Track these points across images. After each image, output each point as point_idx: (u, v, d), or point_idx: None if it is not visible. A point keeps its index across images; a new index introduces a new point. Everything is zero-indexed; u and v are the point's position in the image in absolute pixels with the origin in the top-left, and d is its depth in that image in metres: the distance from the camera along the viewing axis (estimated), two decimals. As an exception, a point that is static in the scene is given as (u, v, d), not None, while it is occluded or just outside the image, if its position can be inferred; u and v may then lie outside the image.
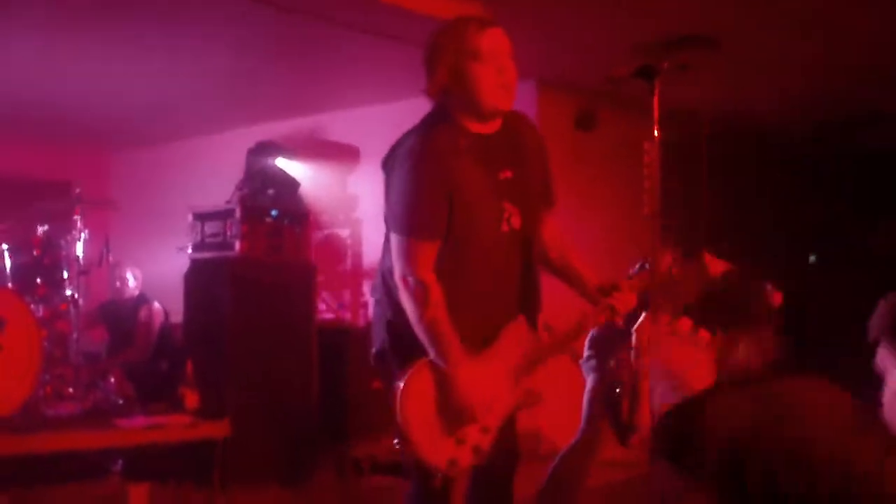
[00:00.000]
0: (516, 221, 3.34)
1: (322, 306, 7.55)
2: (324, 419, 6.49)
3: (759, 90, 7.68)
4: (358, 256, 8.37)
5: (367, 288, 8.30)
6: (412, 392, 3.17)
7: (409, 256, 3.18)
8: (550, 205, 3.54)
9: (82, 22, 6.34)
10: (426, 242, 3.18)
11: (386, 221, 3.31)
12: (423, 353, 3.19)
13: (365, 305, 8.11)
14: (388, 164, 3.33)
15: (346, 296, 8.24)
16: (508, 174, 3.32)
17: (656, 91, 3.06)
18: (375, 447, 6.56)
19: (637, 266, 3.59)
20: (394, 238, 3.23)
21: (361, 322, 7.85)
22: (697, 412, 1.22)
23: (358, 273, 8.37)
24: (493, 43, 3.22)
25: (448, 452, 3.17)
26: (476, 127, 3.29)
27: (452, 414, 3.19)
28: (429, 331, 3.16)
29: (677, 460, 1.19)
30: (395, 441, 3.19)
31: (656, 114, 3.07)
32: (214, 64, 7.35)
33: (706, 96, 6.88)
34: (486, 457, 3.25)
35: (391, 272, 3.27)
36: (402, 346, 3.24)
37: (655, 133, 3.06)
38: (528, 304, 3.42)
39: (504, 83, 3.22)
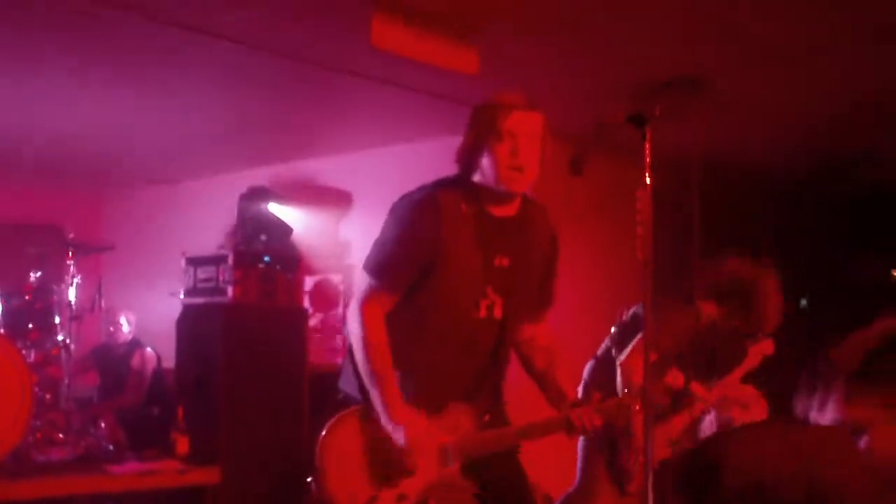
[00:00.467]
0: (498, 311, 3.30)
1: (314, 351, 7.54)
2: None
3: (750, 132, 7.73)
4: (350, 301, 8.35)
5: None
6: (334, 440, 3.18)
7: (362, 295, 3.24)
8: (546, 307, 3.51)
9: (75, 65, 6.37)
10: (382, 289, 3.22)
11: None
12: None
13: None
14: (393, 208, 3.36)
15: (339, 341, 8.22)
16: (505, 262, 3.30)
17: (647, 138, 3.07)
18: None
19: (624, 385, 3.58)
20: (360, 274, 3.28)
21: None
22: (722, 450, 1.22)
23: (350, 318, 8.36)
24: (516, 124, 3.23)
25: None
26: (489, 207, 3.28)
27: (379, 464, 3.16)
28: (367, 370, 3.17)
29: (697, 496, 1.19)
30: (310, 479, 3.18)
31: (648, 160, 3.07)
32: (208, 108, 7.37)
33: (697, 139, 6.92)
34: None
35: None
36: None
37: (647, 180, 3.07)
38: (486, 392, 3.37)
39: (516, 165, 3.22)
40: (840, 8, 5.27)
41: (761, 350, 4.95)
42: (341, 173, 8.64)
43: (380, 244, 3.26)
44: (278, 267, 6.44)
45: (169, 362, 6.81)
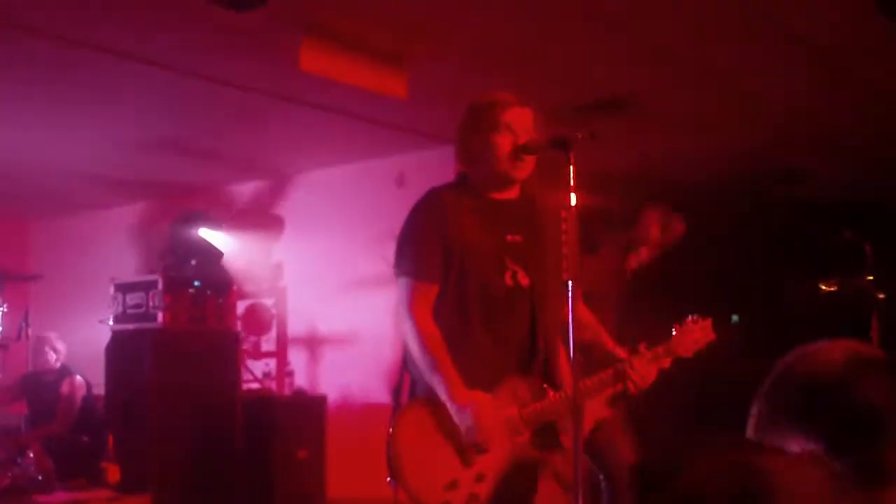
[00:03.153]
0: (522, 279, 3.44)
1: (247, 376, 7.49)
2: (249, 491, 6.41)
3: (678, 151, 7.84)
4: (283, 325, 8.33)
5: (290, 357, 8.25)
6: (404, 433, 3.24)
7: (405, 296, 3.35)
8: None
9: (2, 89, 6.29)
10: (420, 283, 3.34)
11: None
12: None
13: (291, 374, 8.06)
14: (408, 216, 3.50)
15: (272, 365, 8.18)
16: (518, 238, 3.47)
17: (571, 160, 3.12)
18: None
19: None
20: (398, 281, 3.40)
21: (287, 391, 7.79)
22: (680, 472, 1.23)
23: (283, 342, 8.33)
24: (515, 118, 3.43)
25: (440, 496, 3.19)
26: (490, 194, 3.48)
27: (452, 447, 3.22)
28: (425, 362, 3.26)
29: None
30: (389, 480, 3.19)
31: (573, 182, 3.12)
32: (138, 134, 7.32)
33: (621, 157, 7.02)
34: None
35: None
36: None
37: (573, 201, 3.12)
38: (539, 363, 3.45)
39: (518, 154, 3.41)
40: (768, 31, 5.38)
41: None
42: (273, 197, 8.62)
43: (403, 247, 3.43)
44: (209, 291, 6.39)
45: (99, 390, 6.72)
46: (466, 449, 3.23)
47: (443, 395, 3.23)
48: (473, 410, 3.20)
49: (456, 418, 3.22)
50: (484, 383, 3.29)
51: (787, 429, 1.54)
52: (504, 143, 3.39)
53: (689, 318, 3.61)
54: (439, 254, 3.34)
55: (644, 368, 3.47)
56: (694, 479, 1.17)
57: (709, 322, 3.64)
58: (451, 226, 3.35)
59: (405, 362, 3.43)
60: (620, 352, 3.59)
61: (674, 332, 3.57)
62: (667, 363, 3.54)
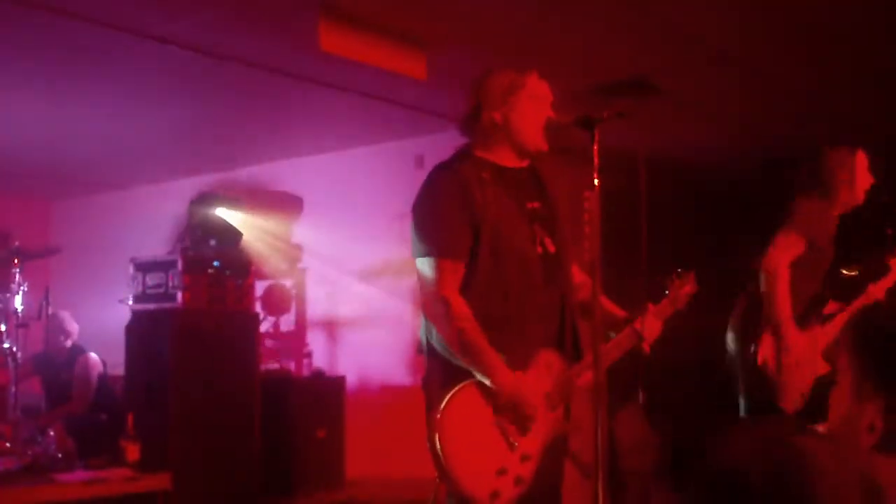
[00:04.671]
0: (550, 246, 3.40)
1: (266, 356, 7.50)
2: (267, 470, 6.43)
3: (694, 132, 7.81)
4: (302, 306, 8.34)
5: (310, 338, 8.26)
6: (449, 421, 3.12)
7: (433, 276, 3.22)
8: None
9: (24, 70, 6.31)
10: (447, 261, 3.22)
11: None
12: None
13: (309, 355, 8.07)
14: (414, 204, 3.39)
15: (290, 345, 8.19)
16: (536, 205, 3.42)
17: (596, 140, 3.09)
18: (320, 498, 6.52)
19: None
20: (417, 263, 3.28)
21: (305, 372, 7.81)
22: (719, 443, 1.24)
23: (301, 323, 8.34)
24: (541, 87, 3.46)
25: (490, 484, 3.12)
26: (504, 163, 3.41)
27: (498, 432, 3.17)
28: (461, 344, 3.16)
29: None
30: (437, 476, 3.11)
31: (596, 162, 3.10)
32: (157, 114, 7.33)
33: (644, 138, 7.00)
34: (528, 487, 3.20)
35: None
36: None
37: (595, 181, 3.10)
38: (569, 336, 3.43)
39: (543, 125, 3.40)
40: (777, 14, 5.37)
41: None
42: (291, 178, 8.62)
43: (418, 225, 3.30)
44: (228, 272, 6.39)
45: (119, 369, 6.74)
46: (513, 429, 3.18)
47: (486, 379, 3.16)
48: (519, 388, 3.16)
49: (502, 398, 3.15)
50: (521, 359, 3.24)
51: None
52: (535, 115, 3.37)
53: (674, 273, 3.64)
54: (467, 230, 3.23)
55: (652, 324, 3.48)
56: (731, 456, 1.17)
57: (692, 275, 3.68)
58: (477, 200, 3.25)
59: (429, 348, 3.32)
60: (619, 311, 3.55)
61: (668, 290, 3.59)
62: (667, 316, 3.58)
